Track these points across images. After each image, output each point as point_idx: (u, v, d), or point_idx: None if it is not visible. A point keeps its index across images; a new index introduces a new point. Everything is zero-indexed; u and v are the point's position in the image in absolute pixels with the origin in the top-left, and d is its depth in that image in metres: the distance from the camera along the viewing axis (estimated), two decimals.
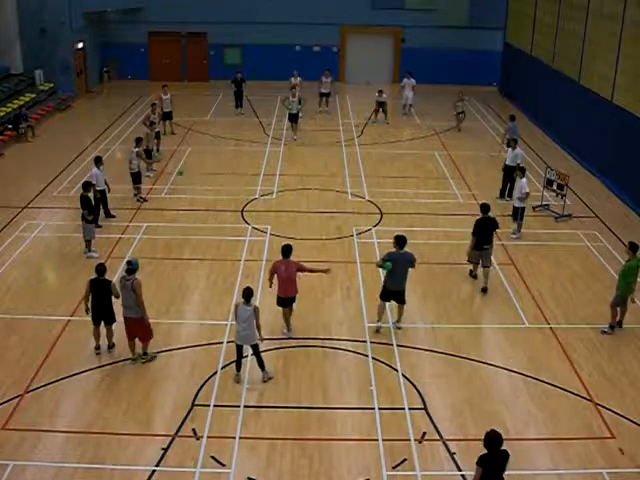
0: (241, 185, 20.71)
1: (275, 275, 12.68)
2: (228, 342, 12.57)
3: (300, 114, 26.06)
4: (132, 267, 11.69)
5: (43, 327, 13.05)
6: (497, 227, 14.85)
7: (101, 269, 11.90)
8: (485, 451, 8.20)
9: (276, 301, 12.90)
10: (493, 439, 8.14)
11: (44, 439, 10.22)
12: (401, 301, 13.12)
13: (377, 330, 13.05)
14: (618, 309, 13.30)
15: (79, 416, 10.83)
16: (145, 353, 12.03)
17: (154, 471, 9.62)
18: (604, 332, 13.30)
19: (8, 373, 11.67)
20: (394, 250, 12.86)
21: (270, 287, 12.97)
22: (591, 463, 10.02)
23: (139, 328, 11.83)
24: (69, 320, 13.17)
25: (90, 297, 11.92)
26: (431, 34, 34.22)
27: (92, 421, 10.63)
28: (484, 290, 14.59)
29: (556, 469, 9.91)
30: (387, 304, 13.28)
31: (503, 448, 8.18)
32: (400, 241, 12.81)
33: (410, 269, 12.97)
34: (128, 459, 9.87)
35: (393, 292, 12.99)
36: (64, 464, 9.73)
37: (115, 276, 14.95)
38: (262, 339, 11.56)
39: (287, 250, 12.60)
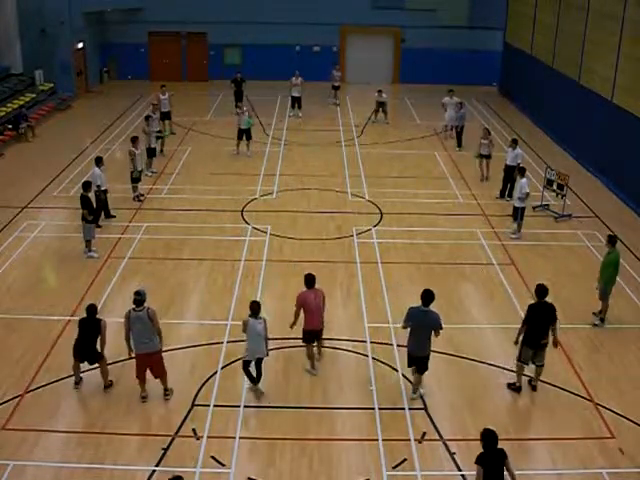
0: (241, 185, 20.71)
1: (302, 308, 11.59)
2: (228, 342, 12.59)
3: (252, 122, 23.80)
4: (141, 297, 10.79)
5: (43, 327, 13.05)
6: (555, 319, 11.34)
7: (92, 310, 11.14)
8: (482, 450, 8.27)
9: (303, 337, 11.81)
10: (486, 436, 8.23)
11: (44, 439, 10.23)
12: (421, 369, 11.23)
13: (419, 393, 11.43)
14: (610, 301, 13.54)
15: (79, 416, 10.86)
16: (166, 389, 11.22)
17: (154, 471, 9.63)
18: (595, 325, 13.57)
19: (8, 373, 11.68)
20: (417, 306, 11.00)
21: (294, 324, 11.73)
22: (591, 463, 10.03)
23: (157, 363, 11.03)
24: (69, 320, 13.16)
25: (77, 335, 11.28)
26: (431, 34, 34.21)
27: (92, 421, 10.64)
28: (534, 388, 11.64)
29: (556, 469, 9.92)
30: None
31: (500, 447, 8.23)
32: (425, 297, 10.84)
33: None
34: (128, 459, 9.87)
35: (416, 358, 11.19)
36: (64, 464, 9.74)
37: (115, 277, 15.01)
38: (267, 354, 11.25)
39: (312, 279, 11.66)
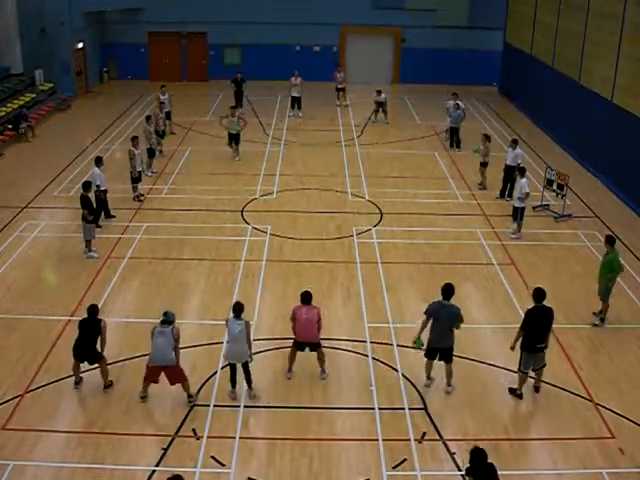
0: (241, 185, 20.71)
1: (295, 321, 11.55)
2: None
3: (241, 130, 23.29)
4: (167, 318, 10.82)
5: (43, 327, 13.05)
6: (551, 325, 11.35)
7: (93, 310, 11.17)
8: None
9: (294, 344, 11.75)
10: (475, 453, 8.16)
11: (44, 439, 10.22)
12: (447, 359, 11.44)
13: (427, 385, 11.63)
14: (610, 301, 13.54)
15: (79, 416, 10.85)
16: (190, 395, 11.11)
17: (154, 471, 9.62)
18: (595, 325, 13.57)
19: (8, 373, 11.68)
20: (438, 301, 11.33)
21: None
22: (591, 463, 10.02)
23: (175, 375, 10.99)
24: (69, 320, 13.16)
25: (77, 335, 11.26)
26: (431, 34, 34.21)
27: (92, 421, 10.64)
28: (537, 389, 11.63)
29: (556, 469, 9.92)
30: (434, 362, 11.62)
31: (490, 462, 8.19)
32: (445, 291, 11.24)
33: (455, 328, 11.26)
34: (128, 459, 9.87)
35: (438, 350, 11.35)
36: (64, 464, 9.74)
37: (115, 277, 15.01)
38: (251, 359, 11.16)
39: (307, 296, 11.53)
